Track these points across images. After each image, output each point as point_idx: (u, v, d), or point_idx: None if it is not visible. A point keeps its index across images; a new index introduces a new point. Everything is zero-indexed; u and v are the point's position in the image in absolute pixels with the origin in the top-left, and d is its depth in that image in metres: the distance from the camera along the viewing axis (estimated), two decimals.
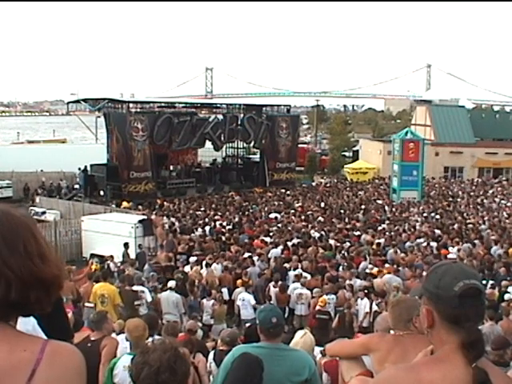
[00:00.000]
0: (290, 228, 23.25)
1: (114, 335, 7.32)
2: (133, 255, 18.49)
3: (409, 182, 34.33)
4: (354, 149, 60.41)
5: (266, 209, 29.11)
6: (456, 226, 23.79)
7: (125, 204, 29.11)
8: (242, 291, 14.16)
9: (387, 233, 22.16)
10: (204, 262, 16.39)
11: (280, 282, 14.55)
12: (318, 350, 6.97)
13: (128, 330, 6.24)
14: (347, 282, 14.60)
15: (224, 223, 24.22)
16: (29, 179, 37.78)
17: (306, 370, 4.10)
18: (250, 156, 45.26)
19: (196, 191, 35.98)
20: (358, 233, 22.20)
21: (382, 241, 20.39)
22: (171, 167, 38.29)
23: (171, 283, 13.29)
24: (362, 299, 13.23)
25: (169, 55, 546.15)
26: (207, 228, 22.83)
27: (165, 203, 30.33)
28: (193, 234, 21.50)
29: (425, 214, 27.62)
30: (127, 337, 6.28)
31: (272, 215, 26.69)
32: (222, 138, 38.85)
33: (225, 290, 14.90)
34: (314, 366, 4.40)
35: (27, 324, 2.30)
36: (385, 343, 3.37)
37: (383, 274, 14.94)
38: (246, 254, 17.82)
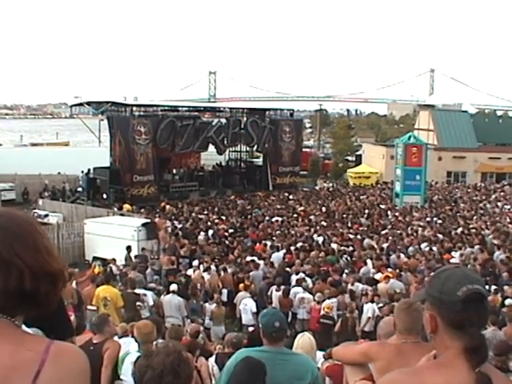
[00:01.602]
0: (292, 232, 23.26)
1: (116, 338, 7.33)
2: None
3: (412, 186, 34.24)
4: (357, 153, 60.42)
5: (268, 213, 29.13)
6: (459, 231, 23.76)
7: (127, 207, 29.08)
8: (244, 295, 14.16)
9: (390, 237, 22.12)
10: (205, 266, 16.42)
11: (283, 287, 14.54)
12: (320, 354, 6.97)
13: (138, 328, 6.34)
14: (349, 286, 14.60)
15: (226, 227, 24.23)
16: (32, 182, 37.82)
17: (308, 375, 4.10)
18: (253, 160, 45.30)
19: (199, 195, 36.00)
20: (360, 237, 22.16)
21: (384, 245, 20.38)
22: (174, 171, 38.32)
23: (173, 286, 13.29)
24: (365, 304, 13.23)
25: (172, 59, 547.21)
26: (210, 232, 22.84)
27: (167, 207, 30.35)
28: (195, 238, 21.50)
29: (428, 219, 27.58)
30: (136, 335, 6.36)
31: (275, 219, 26.70)
32: (225, 142, 38.87)
33: (224, 292, 14.92)
34: (317, 371, 4.41)
35: None
36: (385, 353, 3.29)
37: (388, 279, 14.91)
38: (249, 258, 17.84)
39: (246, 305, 13.73)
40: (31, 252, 1.62)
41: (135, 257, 18.45)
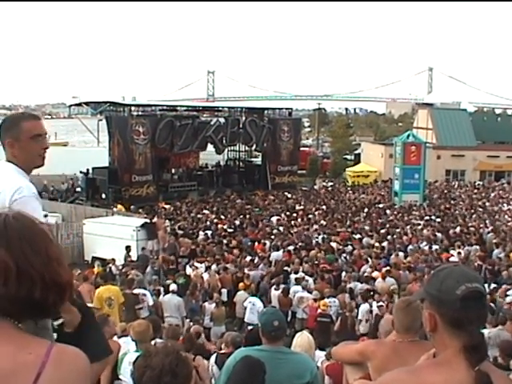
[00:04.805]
0: (291, 231, 23.27)
1: (115, 338, 7.31)
2: (135, 258, 18.48)
3: (410, 185, 34.31)
4: (356, 152, 60.33)
5: (267, 212, 29.13)
6: (458, 230, 23.78)
7: (119, 207, 28.88)
8: (245, 294, 14.13)
9: (389, 236, 22.14)
10: (205, 265, 16.41)
11: (283, 286, 14.53)
12: (319, 353, 6.97)
13: (132, 327, 6.35)
14: (348, 285, 14.61)
15: (225, 226, 24.24)
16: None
17: (307, 373, 4.10)
18: (252, 159, 45.26)
19: (198, 194, 35.98)
20: (359, 236, 22.18)
21: (384, 244, 20.39)
22: (173, 170, 38.31)
23: (173, 286, 13.28)
24: (364, 303, 13.23)
25: (171, 58, 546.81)
26: (209, 231, 22.84)
27: (166, 206, 30.32)
28: (195, 237, 21.49)
29: (426, 218, 27.59)
30: (131, 335, 6.36)
31: (274, 218, 26.71)
32: (224, 141, 38.84)
33: (224, 291, 14.90)
34: (316, 370, 4.41)
35: None
36: (382, 352, 3.29)
37: (385, 277, 14.92)
38: (248, 258, 17.85)
39: (254, 304, 13.55)
40: (43, 261, 1.63)
41: (137, 257, 18.41)
